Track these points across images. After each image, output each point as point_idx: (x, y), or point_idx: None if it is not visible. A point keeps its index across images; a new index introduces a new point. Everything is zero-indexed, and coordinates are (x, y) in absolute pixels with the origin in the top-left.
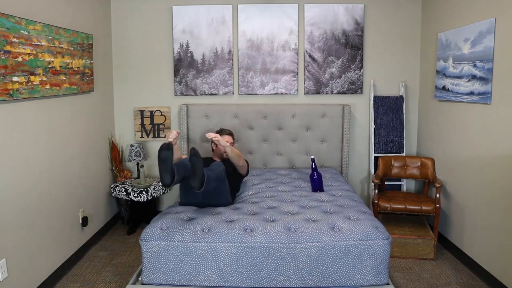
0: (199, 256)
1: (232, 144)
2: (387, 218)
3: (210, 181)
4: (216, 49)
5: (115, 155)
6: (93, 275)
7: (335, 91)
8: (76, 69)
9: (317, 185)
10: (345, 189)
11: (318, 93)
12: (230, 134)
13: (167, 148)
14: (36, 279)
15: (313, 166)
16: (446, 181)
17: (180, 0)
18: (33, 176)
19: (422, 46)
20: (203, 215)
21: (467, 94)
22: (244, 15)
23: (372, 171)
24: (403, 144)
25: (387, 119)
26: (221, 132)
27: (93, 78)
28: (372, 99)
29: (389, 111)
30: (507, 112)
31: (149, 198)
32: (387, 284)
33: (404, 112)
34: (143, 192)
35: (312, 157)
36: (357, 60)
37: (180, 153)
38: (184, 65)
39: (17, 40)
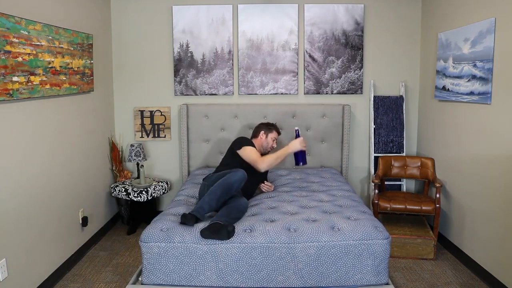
0: (199, 257)
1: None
2: (387, 218)
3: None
4: (216, 49)
5: (115, 155)
6: (93, 275)
7: (335, 91)
8: (76, 69)
9: (300, 157)
10: (345, 189)
11: (318, 93)
12: (278, 130)
13: (190, 221)
14: (36, 279)
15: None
16: (446, 181)
17: (180, 0)
18: (33, 176)
19: (422, 46)
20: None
21: (467, 94)
22: (244, 15)
23: (372, 171)
24: (403, 144)
25: (387, 119)
26: (270, 129)
27: (93, 78)
28: (372, 99)
29: (389, 111)
30: (507, 112)
31: (149, 198)
32: (387, 283)
33: (404, 112)
34: (143, 192)
35: (296, 128)
36: (357, 60)
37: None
38: (184, 65)
39: (17, 40)
